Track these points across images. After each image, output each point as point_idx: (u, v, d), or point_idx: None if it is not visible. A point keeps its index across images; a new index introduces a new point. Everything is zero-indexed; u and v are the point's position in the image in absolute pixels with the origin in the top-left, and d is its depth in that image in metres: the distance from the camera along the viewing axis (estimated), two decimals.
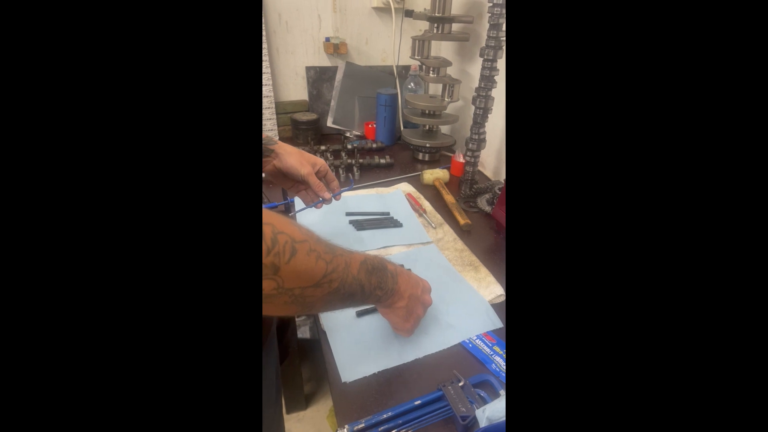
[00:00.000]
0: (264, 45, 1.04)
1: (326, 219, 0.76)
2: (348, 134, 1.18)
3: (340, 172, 0.95)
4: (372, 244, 0.70)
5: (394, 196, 0.86)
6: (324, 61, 1.16)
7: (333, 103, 1.16)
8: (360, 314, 0.55)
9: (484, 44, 0.78)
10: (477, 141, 0.86)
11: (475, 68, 0.97)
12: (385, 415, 0.42)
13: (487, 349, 0.51)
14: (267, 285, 0.29)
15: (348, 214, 0.78)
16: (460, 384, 0.45)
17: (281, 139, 1.14)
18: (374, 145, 1.10)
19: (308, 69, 1.14)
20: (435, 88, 1.17)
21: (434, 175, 0.93)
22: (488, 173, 1.04)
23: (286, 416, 1.14)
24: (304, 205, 0.67)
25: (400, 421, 0.42)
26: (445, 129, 1.17)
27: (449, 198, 0.85)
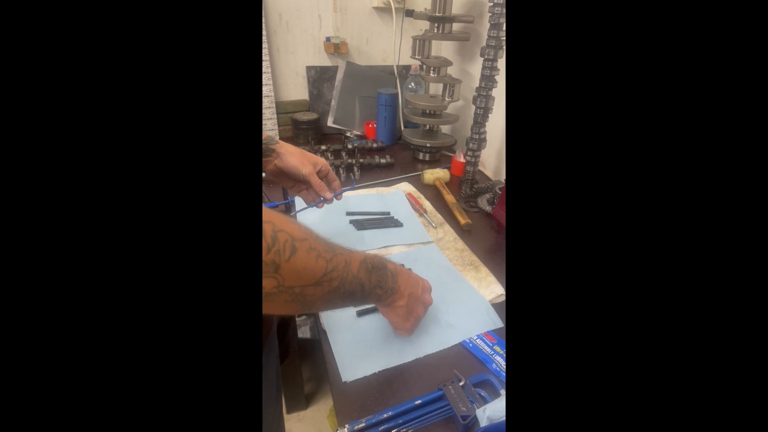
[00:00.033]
0: (264, 45, 1.04)
1: (327, 218, 0.76)
2: (348, 134, 1.18)
3: (341, 171, 0.95)
4: (372, 243, 0.70)
5: (394, 196, 0.86)
6: (324, 60, 1.16)
7: (333, 102, 1.16)
8: (360, 314, 0.55)
9: (484, 44, 0.78)
10: (477, 141, 0.86)
11: (476, 68, 0.97)
12: (385, 415, 0.42)
13: (488, 349, 0.51)
14: (267, 283, 0.29)
15: (348, 213, 0.78)
16: (461, 383, 0.45)
17: (282, 138, 1.13)
18: (375, 145, 1.10)
19: (309, 69, 1.14)
20: (435, 88, 1.17)
21: (435, 174, 0.93)
22: (489, 173, 1.04)
23: (286, 416, 1.14)
24: (304, 205, 0.67)
25: (401, 421, 0.42)
26: (445, 129, 1.17)
27: (450, 198, 0.85)
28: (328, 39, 1.12)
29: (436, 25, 0.95)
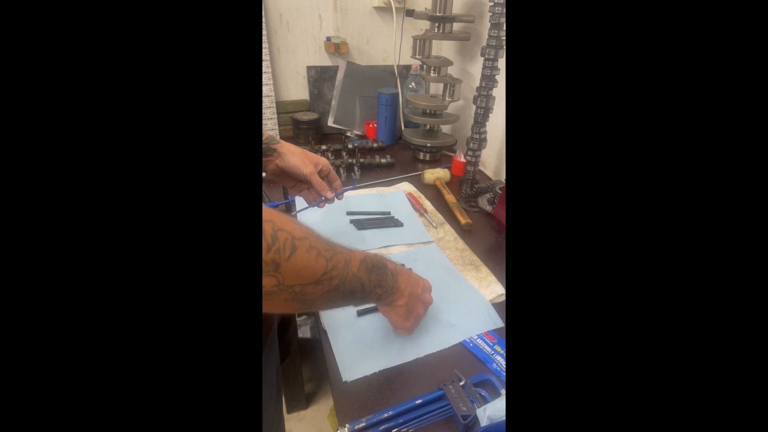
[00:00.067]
0: (265, 45, 1.04)
1: (327, 218, 0.76)
2: (349, 134, 1.18)
3: (341, 171, 0.95)
4: (373, 243, 0.70)
5: (394, 196, 0.86)
6: (325, 60, 1.16)
7: (334, 102, 1.16)
8: (361, 313, 0.55)
9: (485, 43, 0.78)
10: (478, 140, 0.86)
11: (476, 68, 0.97)
12: (385, 414, 0.42)
13: (488, 349, 0.51)
14: (267, 282, 0.29)
15: (349, 213, 0.78)
16: (461, 383, 0.45)
17: (282, 138, 1.13)
18: (375, 145, 1.10)
19: (309, 68, 1.14)
20: (436, 88, 1.17)
21: (435, 174, 0.93)
22: (489, 173, 1.03)
23: (286, 415, 1.14)
24: (305, 204, 0.67)
25: (401, 420, 0.41)
26: (446, 128, 1.17)
27: (450, 197, 0.85)
28: (328, 39, 1.12)
29: (436, 24, 0.95)
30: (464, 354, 0.51)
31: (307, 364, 1.22)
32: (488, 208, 0.83)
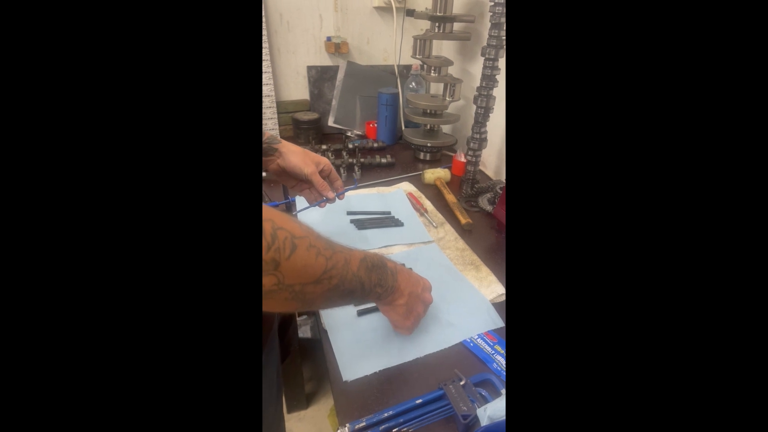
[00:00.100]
0: (265, 45, 1.04)
1: (328, 218, 0.76)
2: (349, 133, 1.18)
3: (342, 171, 0.95)
4: (373, 243, 0.70)
5: (395, 196, 0.86)
6: (325, 60, 1.16)
7: (334, 102, 1.16)
8: (361, 313, 0.55)
9: (485, 43, 0.78)
10: (478, 140, 0.86)
11: (477, 67, 0.97)
12: (386, 414, 0.41)
13: (489, 348, 0.51)
14: (267, 281, 0.29)
15: (349, 213, 0.78)
16: (462, 383, 0.45)
17: (283, 138, 1.14)
18: (375, 145, 1.10)
19: (309, 68, 1.14)
20: (436, 88, 1.17)
21: (435, 174, 0.93)
22: (489, 173, 1.03)
23: (287, 415, 1.14)
24: (306, 204, 0.67)
25: (401, 420, 0.41)
26: (446, 128, 1.17)
27: (450, 197, 0.85)
28: (329, 39, 1.12)
29: (437, 24, 0.95)
30: (464, 354, 0.51)
31: (307, 363, 1.22)
32: (488, 207, 0.82)
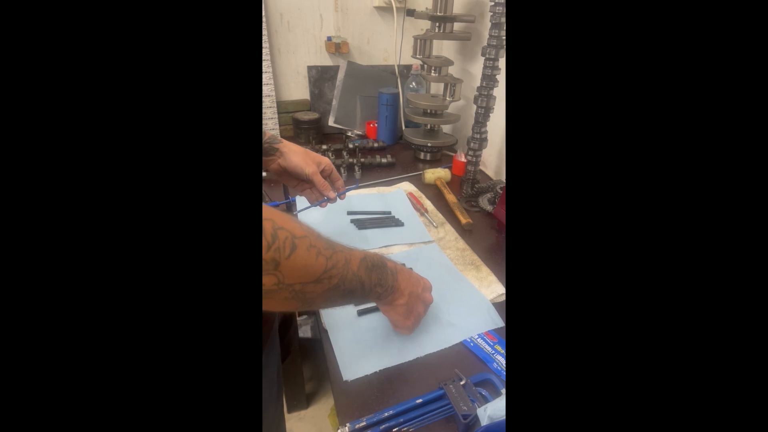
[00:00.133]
0: (265, 45, 1.04)
1: (328, 218, 0.76)
2: (349, 133, 1.18)
3: (342, 171, 0.95)
4: (373, 243, 0.70)
5: (395, 196, 0.86)
6: (326, 60, 1.16)
7: (334, 102, 1.16)
8: (361, 313, 0.55)
9: (485, 43, 0.78)
10: (478, 140, 0.86)
11: (477, 67, 0.97)
12: (386, 414, 0.42)
13: (489, 348, 0.51)
14: (267, 280, 0.29)
15: (350, 213, 0.78)
16: (462, 383, 0.45)
17: (283, 138, 1.14)
18: (376, 145, 1.10)
19: (310, 68, 1.14)
20: (437, 88, 1.17)
21: (436, 174, 0.93)
22: (490, 172, 1.03)
23: (287, 415, 1.14)
24: (307, 204, 0.67)
25: (402, 420, 0.41)
26: (446, 128, 1.17)
27: (451, 197, 0.85)
28: (329, 39, 1.12)
29: (437, 24, 0.95)
30: (465, 353, 0.51)
31: (307, 363, 1.22)
32: (489, 207, 0.82)
